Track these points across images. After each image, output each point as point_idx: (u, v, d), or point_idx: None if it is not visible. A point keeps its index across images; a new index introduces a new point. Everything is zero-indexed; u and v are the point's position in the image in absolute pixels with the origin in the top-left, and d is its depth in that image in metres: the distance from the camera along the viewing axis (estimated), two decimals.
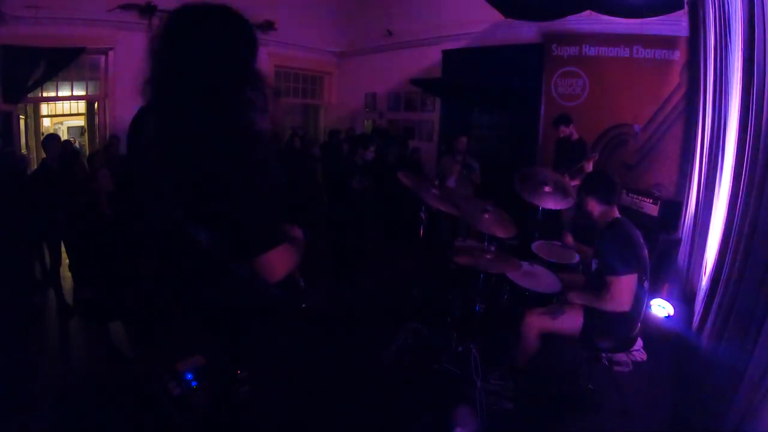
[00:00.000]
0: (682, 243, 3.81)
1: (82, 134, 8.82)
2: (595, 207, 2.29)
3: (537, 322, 2.32)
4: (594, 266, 2.41)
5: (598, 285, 2.24)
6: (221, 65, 1.07)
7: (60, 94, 6.18)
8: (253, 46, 1.14)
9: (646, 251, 2.26)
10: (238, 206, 1.08)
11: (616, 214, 2.29)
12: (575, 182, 3.83)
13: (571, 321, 2.28)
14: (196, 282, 1.29)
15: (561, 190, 3.13)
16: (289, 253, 1.19)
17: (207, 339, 1.50)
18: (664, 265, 3.69)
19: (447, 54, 6.50)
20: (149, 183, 1.16)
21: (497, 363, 2.56)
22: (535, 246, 3.12)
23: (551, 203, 3.10)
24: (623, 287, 2.09)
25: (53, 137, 4.17)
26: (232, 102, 1.09)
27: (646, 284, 2.26)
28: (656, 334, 3.00)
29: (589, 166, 3.96)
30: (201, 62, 1.06)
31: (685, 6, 4.26)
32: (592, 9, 4.65)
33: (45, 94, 5.92)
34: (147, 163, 1.14)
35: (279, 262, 1.16)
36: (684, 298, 3.45)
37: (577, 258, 2.99)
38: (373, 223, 3.66)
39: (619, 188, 2.32)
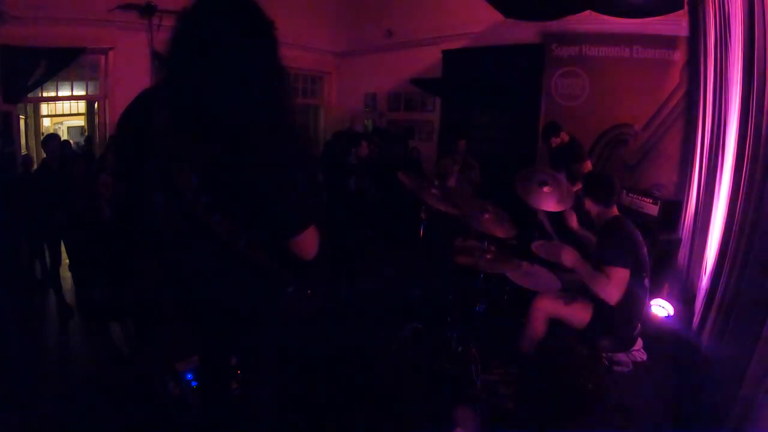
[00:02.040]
0: (682, 243, 3.81)
1: (82, 134, 8.83)
2: (593, 207, 2.33)
3: (547, 306, 2.32)
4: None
5: None
6: (250, 49, 1.06)
7: (60, 94, 6.17)
8: (274, 35, 1.13)
9: (645, 249, 2.27)
10: (281, 186, 1.08)
11: (615, 212, 2.32)
12: (576, 187, 3.82)
13: (580, 312, 2.29)
14: (213, 275, 1.25)
15: (560, 191, 3.12)
16: (316, 229, 1.18)
17: (212, 336, 1.49)
18: (664, 265, 3.68)
19: (447, 54, 6.49)
20: (166, 175, 1.10)
21: (500, 352, 2.55)
22: (535, 246, 3.12)
23: (551, 205, 3.09)
24: (616, 278, 2.10)
25: (53, 137, 4.18)
26: (259, 82, 1.07)
27: (646, 281, 2.27)
28: (656, 334, 3.00)
29: (588, 167, 3.95)
30: (230, 44, 1.04)
31: (685, 6, 4.26)
32: (592, 9, 4.65)
33: (45, 94, 5.91)
34: (165, 153, 1.09)
35: (313, 238, 1.17)
36: (684, 298, 3.45)
37: None
38: (372, 224, 3.62)
39: (618, 190, 2.35)
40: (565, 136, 4.11)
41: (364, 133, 3.61)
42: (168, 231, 1.22)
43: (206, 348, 1.54)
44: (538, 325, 2.34)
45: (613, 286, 2.10)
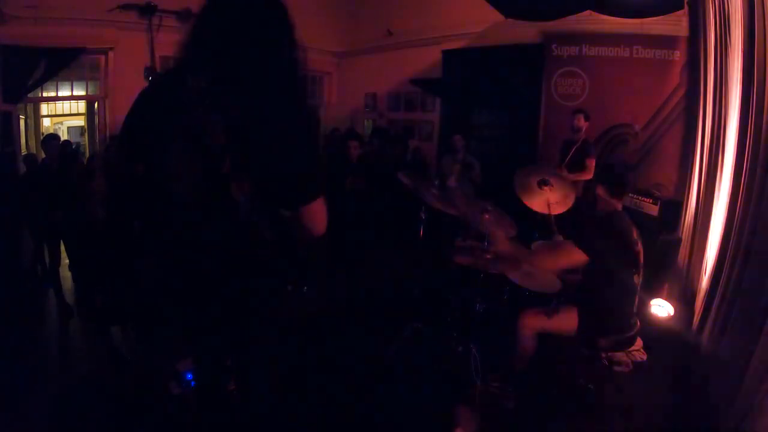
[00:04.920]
0: (682, 243, 3.81)
1: (82, 134, 8.82)
2: (603, 194, 2.37)
3: (532, 322, 2.33)
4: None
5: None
6: (270, 21, 1.18)
7: (60, 94, 6.17)
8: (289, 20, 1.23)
9: (639, 247, 2.29)
10: (294, 154, 1.15)
11: (619, 207, 2.36)
12: (576, 177, 3.86)
13: (566, 320, 2.30)
14: (218, 256, 1.26)
15: (562, 189, 3.13)
16: (324, 205, 1.22)
17: (209, 334, 1.49)
18: (664, 265, 3.68)
19: (447, 54, 6.49)
20: (196, 133, 1.16)
21: (497, 364, 2.56)
22: (535, 246, 3.12)
23: (555, 207, 3.10)
24: (573, 256, 2.22)
25: (53, 137, 4.18)
26: (280, 50, 1.18)
27: (636, 278, 2.28)
28: (656, 334, 3.00)
29: (592, 164, 3.96)
30: (252, 17, 1.15)
31: (685, 6, 4.26)
32: (592, 9, 4.64)
33: (45, 94, 5.91)
34: (197, 112, 1.15)
35: (323, 211, 1.21)
36: (684, 298, 3.45)
37: None
38: (370, 224, 3.59)
39: (629, 187, 2.41)
40: (583, 132, 4.22)
41: (354, 133, 3.56)
42: (181, 201, 1.23)
43: (203, 347, 1.55)
44: (526, 343, 2.35)
45: (564, 257, 2.27)
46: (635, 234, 2.29)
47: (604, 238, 2.23)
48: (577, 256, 2.23)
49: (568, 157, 3.95)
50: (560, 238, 2.92)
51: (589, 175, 4.06)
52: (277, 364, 1.51)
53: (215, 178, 1.16)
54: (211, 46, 1.16)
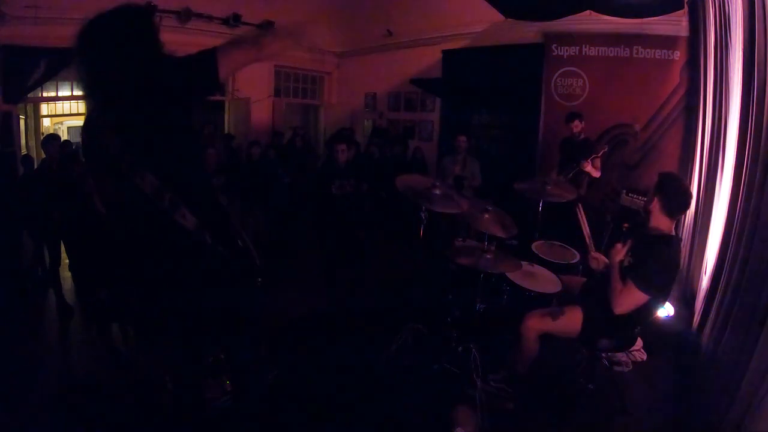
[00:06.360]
0: (682, 243, 3.81)
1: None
2: (656, 210, 2.14)
3: (536, 324, 2.31)
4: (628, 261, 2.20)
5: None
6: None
7: (60, 94, 6.18)
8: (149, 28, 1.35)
9: (676, 275, 2.16)
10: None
11: (672, 231, 2.15)
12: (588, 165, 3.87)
13: (570, 322, 2.28)
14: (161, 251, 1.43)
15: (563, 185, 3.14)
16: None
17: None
18: None
19: (447, 54, 6.50)
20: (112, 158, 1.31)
21: (497, 364, 2.55)
22: (535, 246, 3.12)
23: (553, 197, 3.11)
24: (634, 297, 2.04)
25: (53, 138, 4.18)
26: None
27: (662, 302, 2.24)
28: (656, 334, 3.00)
29: (590, 167, 3.95)
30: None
31: (685, 6, 4.26)
32: (592, 9, 4.65)
33: (45, 94, 5.92)
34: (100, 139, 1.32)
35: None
36: (684, 298, 3.45)
37: (577, 257, 2.98)
38: (364, 226, 3.54)
39: (686, 209, 2.20)
40: (582, 132, 4.18)
41: (342, 136, 3.47)
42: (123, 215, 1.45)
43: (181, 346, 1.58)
44: (530, 345, 2.31)
45: (626, 302, 2.05)
46: (678, 261, 2.13)
47: (651, 268, 2.04)
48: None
49: (594, 155, 3.95)
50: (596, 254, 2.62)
51: (597, 174, 4.06)
52: (267, 364, 1.55)
53: (128, 189, 1.31)
54: (91, 77, 1.30)
